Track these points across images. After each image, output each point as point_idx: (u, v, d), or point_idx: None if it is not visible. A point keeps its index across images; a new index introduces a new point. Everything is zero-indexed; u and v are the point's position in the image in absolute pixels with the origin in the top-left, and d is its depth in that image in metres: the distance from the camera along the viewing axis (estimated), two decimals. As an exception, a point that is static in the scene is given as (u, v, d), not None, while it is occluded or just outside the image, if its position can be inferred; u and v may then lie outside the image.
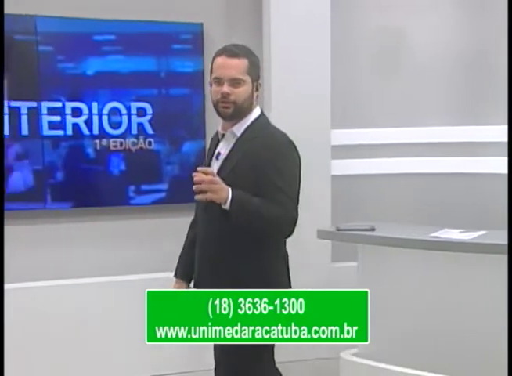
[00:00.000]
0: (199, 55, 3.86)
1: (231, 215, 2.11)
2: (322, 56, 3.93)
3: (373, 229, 3.28)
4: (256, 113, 2.29)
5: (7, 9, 3.53)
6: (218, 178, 2.10)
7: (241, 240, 2.20)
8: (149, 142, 3.86)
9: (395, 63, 4.25)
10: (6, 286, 3.61)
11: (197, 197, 2.09)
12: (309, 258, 3.96)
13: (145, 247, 3.86)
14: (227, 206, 2.09)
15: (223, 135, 2.30)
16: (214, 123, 3.75)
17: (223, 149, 2.28)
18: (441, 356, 3.10)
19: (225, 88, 2.18)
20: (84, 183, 3.84)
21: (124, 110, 3.82)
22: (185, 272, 2.44)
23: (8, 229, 3.76)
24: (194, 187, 2.08)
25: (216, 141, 2.35)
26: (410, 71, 4.22)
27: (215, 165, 2.27)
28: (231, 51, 2.22)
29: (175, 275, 2.47)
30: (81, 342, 3.68)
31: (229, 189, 2.09)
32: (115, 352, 3.72)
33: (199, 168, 2.11)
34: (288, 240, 4.06)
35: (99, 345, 3.70)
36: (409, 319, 3.26)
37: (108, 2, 3.75)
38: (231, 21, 4.06)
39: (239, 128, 2.26)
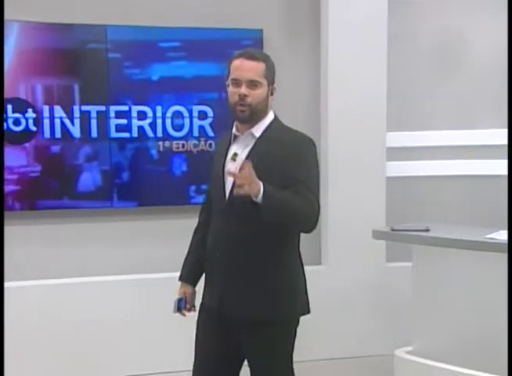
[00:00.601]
0: (258, 60, 3.97)
1: (262, 207, 2.09)
2: (378, 58, 3.99)
3: (427, 230, 3.30)
4: (271, 116, 2.33)
5: (81, 20, 3.76)
6: (253, 173, 2.08)
7: (263, 239, 2.23)
8: (210, 144, 3.97)
9: (452, 65, 4.25)
10: (76, 280, 3.83)
11: (236, 190, 2.08)
12: (364, 257, 4.03)
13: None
14: (259, 199, 2.08)
15: (235, 137, 2.32)
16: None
17: (240, 150, 2.29)
18: (494, 355, 3.09)
19: (243, 90, 2.21)
20: (148, 183, 3.98)
21: (186, 114, 3.95)
22: (191, 275, 2.47)
23: (78, 227, 3.99)
24: (237, 182, 2.07)
25: (227, 143, 2.34)
26: (466, 73, 4.21)
27: (231, 166, 2.26)
28: (249, 54, 2.25)
29: (181, 278, 2.48)
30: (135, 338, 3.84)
31: (261, 182, 2.09)
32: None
33: (243, 163, 2.10)
34: (343, 240, 4.14)
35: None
36: (462, 318, 3.27)
37: (173, 11, 3.89)
38: (290, 27, 4.12)
39: (258, 130, 2.29)
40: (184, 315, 2.46)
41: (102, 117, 3.84)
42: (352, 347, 4.07)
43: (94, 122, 3.83)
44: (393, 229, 3.38)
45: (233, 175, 2.09)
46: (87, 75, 3.80)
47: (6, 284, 3.65)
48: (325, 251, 4.11)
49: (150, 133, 3.93)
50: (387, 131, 4.06)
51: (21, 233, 3.85)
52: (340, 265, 4.05)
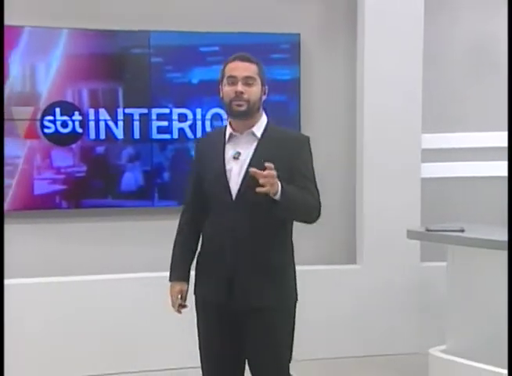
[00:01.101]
0: (296, 64, 4.03)
1: (279, 204, 2.19)
2: (414, 61, 4.02)
3: (462, 231, 3.31)
4: (265, 117, 2.43)
5: (125, 27, 3.87)
6: (275, 174, 2.16)
7: (268, 231, 2.34)
8: (247, 146, 4.06)
9: (486, 67, 4.26)
10: (121, 275, 3.92)
11: (258, 189, 2.14)
12: (398, 257, 4.06)
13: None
14: (278, 196, 2.18)
15: (231, 136, 2.38)
16: (308, 128, 3.93)
17: (242, 149, 2.36)
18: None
19: (240, 87, 2.30)
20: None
21: (225, 116, 4.04)
22: (186, 273, 2.50)
23: (120, 225, 4.09)
24: (261, 181, 2.13)
25: (219, 142, 2.39)
26: (501, 75, 4.19)
27: (233, 164, 2.35)
28: (243, 56, 2.36)
29: (177, 278, 2.49)
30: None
31: (279, 181, 2.18)
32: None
33: (267, 164, 2.15)
34: (378, 240, 4.17)
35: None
36: (496, 318, 3.26)
37: (212, 17, 3.99)
38: (326, 31, 4.18)
39: (259, 129, 2.38)
40: (181, 312, 2.50)
41: (145, 119, 3.95)
42: (387, 345, 4.10)
43: (136, 124, 3.95)
44: (428, 230, 3.39)
45: (258, 174, 2.14)
46: (130, 79, 3.92)
47: (54, 279, 3.84)
48: (360, 251, 4.15)
49: (190, 135, 4.03)
50: (423, 133, 4.09)
51: (67, 230, 4.00)
52: (375, 264, 4.08)
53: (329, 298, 4.01)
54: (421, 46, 4.01)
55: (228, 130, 2.40)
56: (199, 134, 4.02)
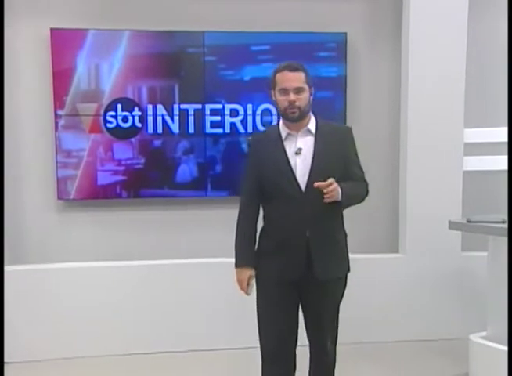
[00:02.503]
0: (342, 61, 4.12)
1: (342, 203, 2.56)
2: (457, 58, 4.05)
3: (504, 222, 3.30)
4: (312, 114, 2.68)
5: (181, 28, 4.02)
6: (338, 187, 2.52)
7: (331, 216, 2.63)
8: (295, 139, 4.17)
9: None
10: (176, 261, 4.06)
11: (326, 200, 2.49)
12: (440, 247, 4.10)
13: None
14: (339, 198, 2.53)
15: (288, 135, 2.63)
16: (354, 123, 4.01)
17: (302, 144, 2.61)
18: None
19: (292, 97, 2.56)
20: (239, 175, 4.18)
21: (274, 111, 4.14)
22: (252, 261, 2.71)
23: (175, 213, 4.25)
24: (326, 193, 2.47)
25: (277, 141, 2.63)
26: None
27: (297, 159, 2.59)
28: (291, 66, 2.59)
29: (245, 265, 2.70)
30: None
31: (339, 188, 2.51)
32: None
33: (330, 180, 2.47)
34: (421, 230, 4.20)
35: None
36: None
37: (263, 17, 4.11)
38: (372, 30, 4.25)
39: (312, 126, 2.65)
40: (249, 294, 2.73)
41: (199, 114, 4.10)
42: (429, 331, 4.17)
43: (191, 119, 4.11)
44: (469, 221, 3.41)
45: (322, 186, 2.46)
46: (186, 77, 4.08)
47: (115, 263, 4.01)
48: (403, 240, 4.22)
49: (241, 129, 4.16)
50: (465, 127, 4.12)
51: (126, 218, 4.20)
52: (417, 253, 4.14)
53: (372, 285, 4.09)
54: (465, 43, 4.05)
55: (285, 130, 2.65)
56: (250, 128, 4.15)
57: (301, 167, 2.59)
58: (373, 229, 4.35)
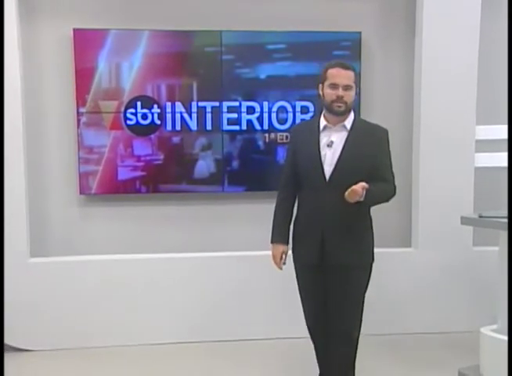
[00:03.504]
0: (356, 60, 4.13)
1: (366, 202, 2.68)
2: (469, 57, 4.07)
3: None
4: (352, 112, 2.85)
5: (199, 27, 4.06)
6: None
7: (353, 206, 2.70)
8: (311, 136, 4.20)
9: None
10: (192, 254, 4.12)
11: (351, 200, 2.63)
12: (452, 241, 4.13)
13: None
14: (362, 199, 2.65)
15: (325, 127, 2.80)
16: (367, 120, 4.02)
17: (334, 138, 2.78)
18: None
19: (341, 92, 2.74)
20: (255, 170, 4.26)
21: (289, 109, 4.20)
22: (286, 238, 2.93)
23: (193, 208, 4.30)
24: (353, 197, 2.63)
25: (314, 132, 2.80)
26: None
27: (327, 150, 2.77)
28: (344, 64, 2.79)
29: (280, 241, 2.91)
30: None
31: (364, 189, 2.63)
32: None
33: (363, 184, 2.62)
34: (433, 225, 4.22)
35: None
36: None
37: (279, 16, 4.13)
38: (386, 30, 4.27)
39: (349, 123, 2.81)
40: (282, 269, 2.92)
41: (216, 111, 4.16)
42: (441, 323, 4.20)
43: (209, 116, 4.16)
44: (481, 216, 3.42)
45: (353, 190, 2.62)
46: (204, 75, 4.13)
47: (137, 256, 4.07)
48: (415, 235, 4.25)
49: (257, 126, 4.21)
50: (477, 125, 4.14)
51: (145, 212, 4.26)
52: (429, 247, 4.17)
53: (385, 279, 4.10)
54: (477, 41, 4.06)
55: (323, 122, 2.81)
56: (265, 125, 4.19)
57: (330, 158, 2.76)
58: (386, 224, 4.35)
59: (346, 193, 2.62)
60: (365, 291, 2.88)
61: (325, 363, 2.98)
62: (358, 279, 2.83)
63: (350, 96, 2.76)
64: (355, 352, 2.91)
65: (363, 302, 2.88)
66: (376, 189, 2.72)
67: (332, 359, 2.90)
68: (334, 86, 2.74)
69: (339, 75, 2.74)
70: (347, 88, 2.74)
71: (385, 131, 2.86)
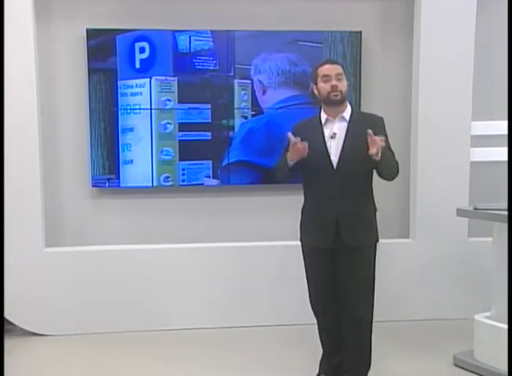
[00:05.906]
0: (356, 59, 4.16)
1: (380, 162, 2.75)
2: (466, 54, 4.08)
3: (507, 210, 3.32)
4: (349, 104, 2.94)
5: (210, 27, 4.06)
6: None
7: (360, 191, 2.92)
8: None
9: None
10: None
11: (374, 156, 2.72)
12: (448, 233, 4.16)
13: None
14: (378, 157, 2.73)
15: (327, 120, 2.90)
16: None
17: (337, 130, 2.88)
18: None
19: (334, 82, 2.84)
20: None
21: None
22: None
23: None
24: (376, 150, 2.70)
25: (316, 126, 2.90)
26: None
27: (332, 142, 2.87)
28: (331, 60, 3.06)
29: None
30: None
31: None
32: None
33: (379, 137, 2.70)
34: (430, 217, 4.22)
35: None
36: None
37: (279, 16, 4.15)
38: (385, 30, 4.28)
39: (347, 114, 2.92)
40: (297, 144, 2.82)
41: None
42: (437, 311, 4.23)
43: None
44: (475, 208, 3.44)
45: (371, 137, 2.71)
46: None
47: (149, 247, 4.09)
48: (413, 226, 4.27)
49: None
50: (472, 120, 4.15)
51: (156, 204, 4.30)
52: (426, 238, 4.20)
53: (383, 268, 4.08)
54: (473, 39, 4.07)
55: (324, 116, 2.94)
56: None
57: (335, 148, 2.88)
58: (385, 216, 4.34)
59: (368, 138, 2.68)
60: (374, 270, 2.98)
61: (331, 346, 3.07)
62: (368, 257, 2.96)
63: (343, 85, 2.86)
64: (371, 330, 2.98)
65: (374, 284, 2.98)
66: (388, 156, 2.84)
67: (347, 347, 2.97)
68: (327, 78, 2.85)
69: (329, 68, 2.87)
70: (339, 78, 2.84)
71: (380, 118, 2.97)
